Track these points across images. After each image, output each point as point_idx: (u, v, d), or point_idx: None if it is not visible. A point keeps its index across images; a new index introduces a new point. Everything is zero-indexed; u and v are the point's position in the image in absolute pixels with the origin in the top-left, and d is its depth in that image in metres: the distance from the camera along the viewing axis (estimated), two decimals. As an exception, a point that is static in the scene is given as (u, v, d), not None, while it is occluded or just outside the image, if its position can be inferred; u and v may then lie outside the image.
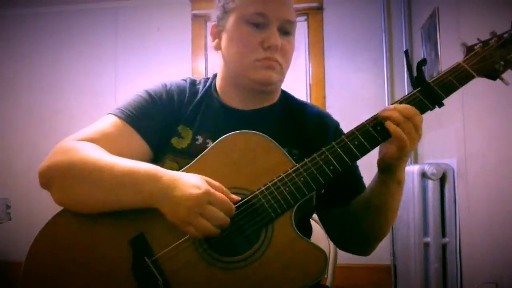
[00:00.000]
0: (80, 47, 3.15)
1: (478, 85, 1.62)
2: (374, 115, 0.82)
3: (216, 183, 0.76)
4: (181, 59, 3.03)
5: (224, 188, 0.77)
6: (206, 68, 3.04)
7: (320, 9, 2.94)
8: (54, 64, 3.16)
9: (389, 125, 0.78)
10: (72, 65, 3.14)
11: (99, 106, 3.00)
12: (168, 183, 0.75)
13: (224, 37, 0.95)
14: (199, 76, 1.07)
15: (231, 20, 0.93)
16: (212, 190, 0.73)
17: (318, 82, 2.91)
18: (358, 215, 0.92)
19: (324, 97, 2.87)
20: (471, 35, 0.90)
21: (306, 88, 2.94)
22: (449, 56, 1.98)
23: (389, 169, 0.83)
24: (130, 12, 3.14)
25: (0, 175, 3.07)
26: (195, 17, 3.04)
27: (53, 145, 0.85)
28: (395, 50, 2.81)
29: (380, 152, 0.84)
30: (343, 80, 2.88)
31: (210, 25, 1.00)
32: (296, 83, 2.87)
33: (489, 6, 1.40)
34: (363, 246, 0.97)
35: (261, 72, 0.90)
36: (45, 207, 0.88)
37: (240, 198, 0.78)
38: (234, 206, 0.75)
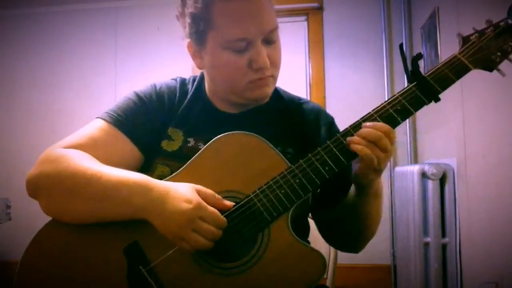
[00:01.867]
0: (80, 47, 3.15)
1: (478, 83, 1.62)
2: (355, 123, 0.79)
3: (208, 191, 0.75)
4: (181, 59, 3.02)
5: (217, 196, 0.75)
6: (206, 68, 3.03)
7: (320, 9, 2.94)
8: (54, 64, 3.16)
9: (354, 147, 0.75)
10: (72, 65, 3.14)
11: (99, 106, 2.97)
12: (158, 196, 0.73)
13: (206, 59, 0.88)
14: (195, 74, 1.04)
15: (210, 42, 0.85)
16: (203, 204, 0.72)
17: (318, 82, 2.90)
18: (343, 217, 0.91)
19: (324, 97, 2.87)
20: (471, 34, 0.89)
21: (306, 88, 2.94)
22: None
23: (363, 185, 0.81)
24: (130, 12, 3.14)
25: (0, 175, 3.07)
26: (195, 17, 3.03)
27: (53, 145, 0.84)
28: (395, 50, 2.81)
29: (353, 169, 0.81)
30: (343, 80, 2.88)
31: (183, 41, 0.91)
32: (296, 83, 2.87)
33: (489, 6, 1.40)
34: (351, 245, 0.96)
35: (256, 91, 0.87)
36: (45, 207, 0.87)
37: (233, 204, 0.76)
38: (225, 220, 0.73)
